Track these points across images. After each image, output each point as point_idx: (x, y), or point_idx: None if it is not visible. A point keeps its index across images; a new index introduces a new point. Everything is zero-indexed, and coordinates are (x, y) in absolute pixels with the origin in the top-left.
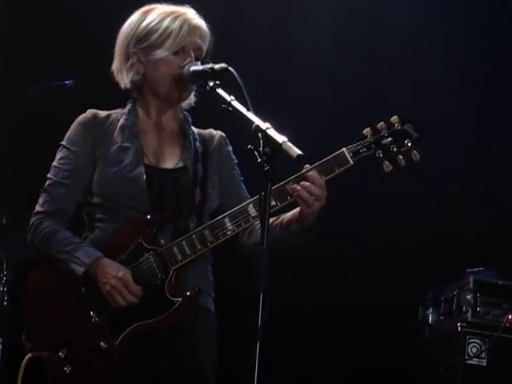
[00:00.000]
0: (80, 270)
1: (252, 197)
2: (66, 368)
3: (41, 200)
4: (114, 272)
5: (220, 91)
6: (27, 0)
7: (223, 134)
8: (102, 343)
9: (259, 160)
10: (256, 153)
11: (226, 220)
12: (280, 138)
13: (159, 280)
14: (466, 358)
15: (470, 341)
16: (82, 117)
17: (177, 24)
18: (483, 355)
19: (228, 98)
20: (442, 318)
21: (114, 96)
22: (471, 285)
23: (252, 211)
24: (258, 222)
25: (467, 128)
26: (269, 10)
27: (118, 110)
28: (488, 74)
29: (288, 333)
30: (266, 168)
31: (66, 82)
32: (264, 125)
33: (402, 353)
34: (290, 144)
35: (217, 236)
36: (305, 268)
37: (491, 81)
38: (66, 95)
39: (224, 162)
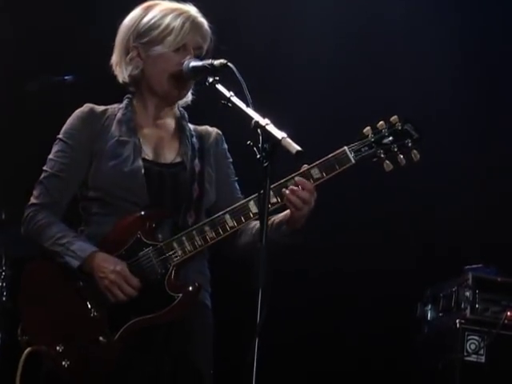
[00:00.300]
0: (75, 263)
1: (245, 196)
2: (64, 362)
3: (36, 192)
4: (112, 266)
5: (219, 87)
6: None
7: (219, 132)
8: (100, 338)
9: (258, 156)
10: (255, 149)
11: (227, 216)
12: (279, 133)
13: (159, 275)
14: (465, 354)
15: (469, 337)
16: (79, 111)
17: (179, 21)
18: (482, 352)
19: (227, 93)
20: (440, 314)
21: (113, 92)
22: (470, 281)
23: (253, 208)
24: (254, 220)
25: (467, 126)
26: (269, 7)
27: (115, 105)
28: (488, 73)
29: (285, 330)
30: (266, 164)
31: (66, 77)
32: (263, 121)
33: (401, 349)
34: (289, 140)
35: (217, 232)
36: (303, 265)
37: (491, 81)
38: (66, 91)
39: (219, 159)
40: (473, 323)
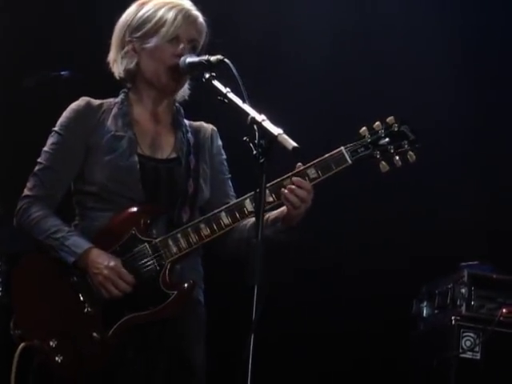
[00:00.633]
0: (70, 259)
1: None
2: (57, 358)
3: (30, 184)
4: (106, 262)
5: (216, 83)
6: None
7: (214, 128)
8: (94, 334)
9: (255, 152)
10: (251, 145)
11: (223, 214)
12: (276, 130)
13: (154, 272)
14: (460, 351)
15: (464, 334)
16: (75, 104)
17: (172, 13)
18: (477, 349)
19: (224, 89)
20: (436, 311)
21: (109, 88)
22: (466, 278)
23: (248, 206)
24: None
25: (463, 126)
26: (266, 1)
27: (111, 99)
28: (488, 74)
29: (279, 328)
30: (262, 160)
31: (63, 73)
32: (260, 117)
33: (396, 346)
34: (285, 136)
35: (212, 229)
36: (299, 263)
37: (490, 81)
38: (62, 87)
39: (214, 155)
40: (468, 320)
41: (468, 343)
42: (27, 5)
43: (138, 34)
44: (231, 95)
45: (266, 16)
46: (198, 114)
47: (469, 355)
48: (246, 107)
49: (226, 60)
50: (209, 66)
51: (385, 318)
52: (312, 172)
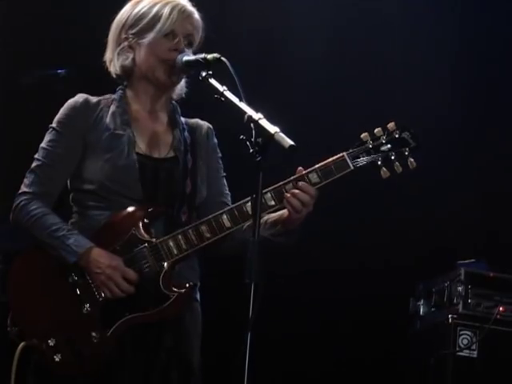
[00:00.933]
0: (71, 258)
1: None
2: (56, 356)
3: (27, 181)
4: (108, 261)
5: (212, 81)
6: None
7: (210, 126)
8: (93, 333)
9: (251, 150)
10: (248, 143)
11: (224, 216)
12: (272, 128)
13: (154, 273)
14: (457, 349)
15: (461, 332)
16: (73, 100)
17: (167, 8)
18: (474, 347)
19: (220, 88)
20: (432, 309)
21: (106, 86)
22: (462, 277)
23: (250, 209)
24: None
25: (460, 125)
26: (264, 3)
27: (108, 96)
28: (488, 74)
29: (278, 326)
30: (258, 158)
31: (59, 71)
32: (256, 115)
33: (393, 344)
34: (282, 134)
35: (214, 232)
36: (295, 262)
37: (491, 81)
38: (60, 85)
39: (210, 154)
40: (465, 318)
41: (465, 341)
42: (25, 4)
43: (134, 30)
44: (228, 93)
45: (264, 14)
46: (195, 112)
47: (466, 353)
48: (243, 105)
49: (222, 58)
50: (205, 64)
51: (382, 316)
52: (314, 177)
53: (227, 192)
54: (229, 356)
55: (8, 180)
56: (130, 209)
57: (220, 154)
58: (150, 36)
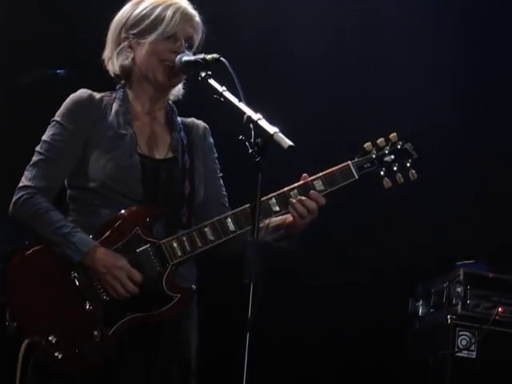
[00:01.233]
0: (76, 257)
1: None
2: (57, 354)
3: (29, 174)
4: (114, 261)
5: (212, 82)
6: None
7: (206, 126)
8: (95, 332)
9: (250, 151)
10: (247, 143)
11: (229, 220)
12: (271, 128)
13: (157, 274)
14: (456, 350)
15: (460, 333)
16: (77, 96)
17: (170, 11)
18: (473, 348)
19: (220, 88)
20: (432, 310)
21: (105, 86)
22: (461, 277)
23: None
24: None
25: (460, 126)
26: (264, 3)
27: (109, 93)
28: (488, 74)
29: (278, 326)
30: (258, 159)
31: (58, 71)
32: (255, 115)
33: (392, 345)
34: (281, 135)
35: (218, 235)
36: (294, 261)
37: (491, 81)
38: (59, 85)
39: (207, 154)
40: (464, 319)
41: (464, 342)
42: (24, 3)
43: (135, 30)
44: (227, 94)
45: (263, 14)
46: (193, 113)
47: (464, 354)
48: (242, 106)
49: (222, 59)
50: (205, 64)
51: (381, 316)
52: (319, 184)
53: (224, 193)
54: (228, 356)
55: (8, 180)
56: (133, 208)
57: (216, 154)
58: (152, 37)
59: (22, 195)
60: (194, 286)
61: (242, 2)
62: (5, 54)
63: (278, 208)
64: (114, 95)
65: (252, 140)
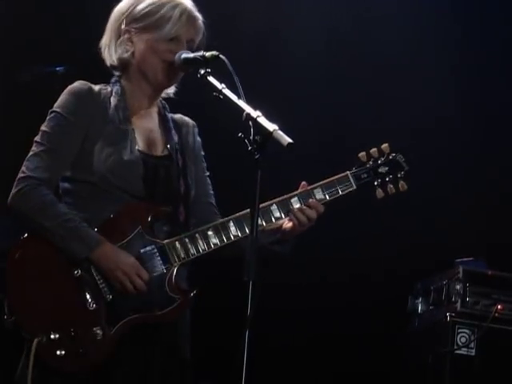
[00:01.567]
0: (83, 252)
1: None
2: (58, 351)
3: (31, 164)
4: (124, 258)
5: (211, 79)
6: None
7: (195, 123)
8: (97, 330)
9: (250, 148)
10: (246, 141)
11: (231, 224)
12: (271, 126)
13: (160, 274)
14: (455, 347)
15: (459, 331)
16: (76, 87)
17: (176, 12)
18: (472, 345)
19: (219, 85)
20: (431, 307)
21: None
22: (461, 275)
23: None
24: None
25: (460, 127)
26: (263, 2)
27: (104, 86)
28: (488, 74)
29: (278, 326)
30: (257, 156)
31: (58, 68)
32: (255, 113)
33: (391, 342)
34: (280, 132)
35: (221, 239)
36: (296, 261)
37: (491, 81)
38: (58, 82)
39: (196, 153)
40: (463, 316)
41: (463, 339)
42: (24, 3)
43: (138, 25)
44: (226, 91)
45: (262, 14)
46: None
47: (464, 351)
48: (242, 103)
49: (221, 56)
50: (204, 61)
51: (380, 314)
52: (319, 193)
53: (212, 192)
54: (227, 354)
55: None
56: (136, 205)
57: (203, 153)
58: (155, 36)
59: (24, 186)
60: (196, 289)
61: (242, 1)
62: (4, 52)
63: (279, 214)
64: (109, 88)
65: (251, 137)
